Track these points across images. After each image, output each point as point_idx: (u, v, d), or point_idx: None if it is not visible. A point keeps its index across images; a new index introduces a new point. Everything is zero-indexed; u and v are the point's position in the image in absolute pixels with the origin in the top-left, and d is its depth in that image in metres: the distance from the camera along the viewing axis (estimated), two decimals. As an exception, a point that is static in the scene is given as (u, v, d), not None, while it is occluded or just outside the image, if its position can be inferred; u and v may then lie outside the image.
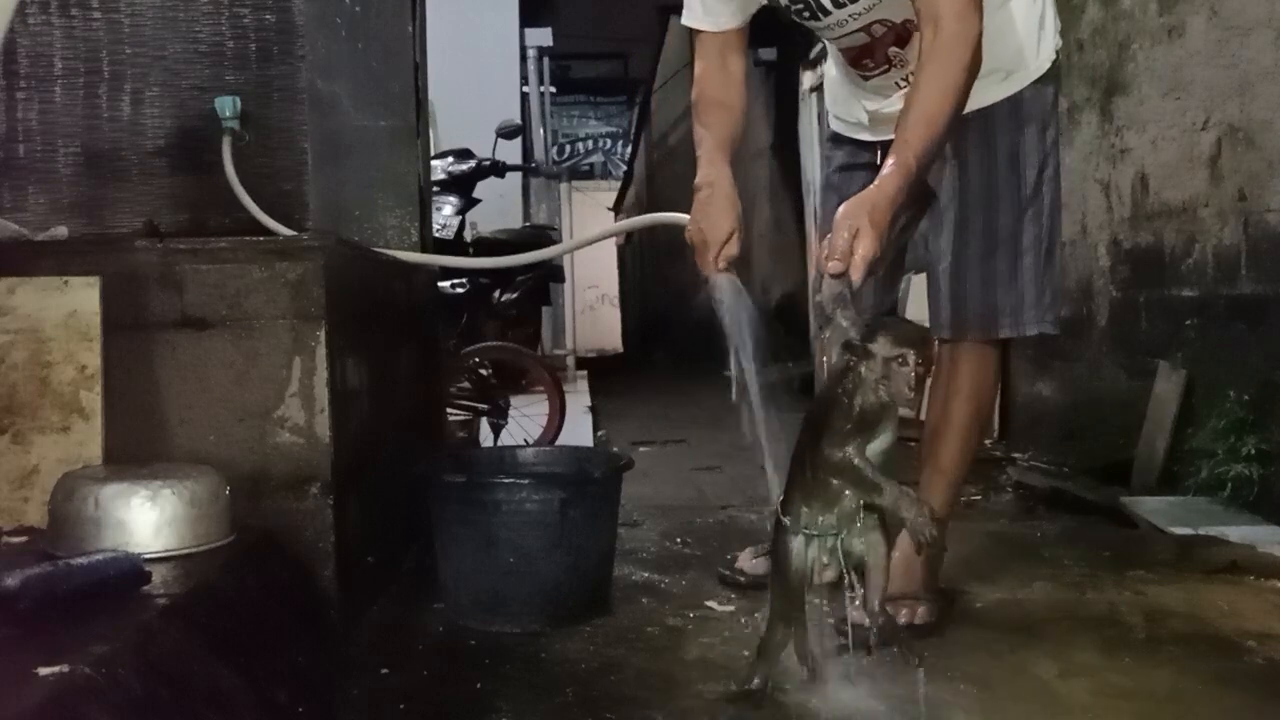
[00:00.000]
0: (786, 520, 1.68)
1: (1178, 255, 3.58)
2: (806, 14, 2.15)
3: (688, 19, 2.24)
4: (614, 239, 11.04)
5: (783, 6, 2.15)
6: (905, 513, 1.60)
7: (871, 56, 2.19)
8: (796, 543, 1.67)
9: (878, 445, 1.63)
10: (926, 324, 2.33)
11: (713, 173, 2.06)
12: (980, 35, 1.90)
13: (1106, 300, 4.02)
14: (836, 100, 2.44)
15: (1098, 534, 2.95)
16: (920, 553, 1.97)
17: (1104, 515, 3.12)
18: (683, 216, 2.09)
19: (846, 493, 1.63)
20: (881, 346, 1.60)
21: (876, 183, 1.80)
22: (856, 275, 1.69)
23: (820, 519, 1.65)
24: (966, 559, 2.54)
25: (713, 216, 2.00)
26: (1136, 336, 3.82)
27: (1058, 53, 2.22)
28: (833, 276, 1.70)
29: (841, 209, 1.76)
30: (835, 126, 2.46)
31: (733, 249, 1.98)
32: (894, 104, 2.19)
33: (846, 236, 1.71)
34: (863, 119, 2.32)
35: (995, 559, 2.64)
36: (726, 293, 1.95)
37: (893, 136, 2.25)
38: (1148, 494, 3.29)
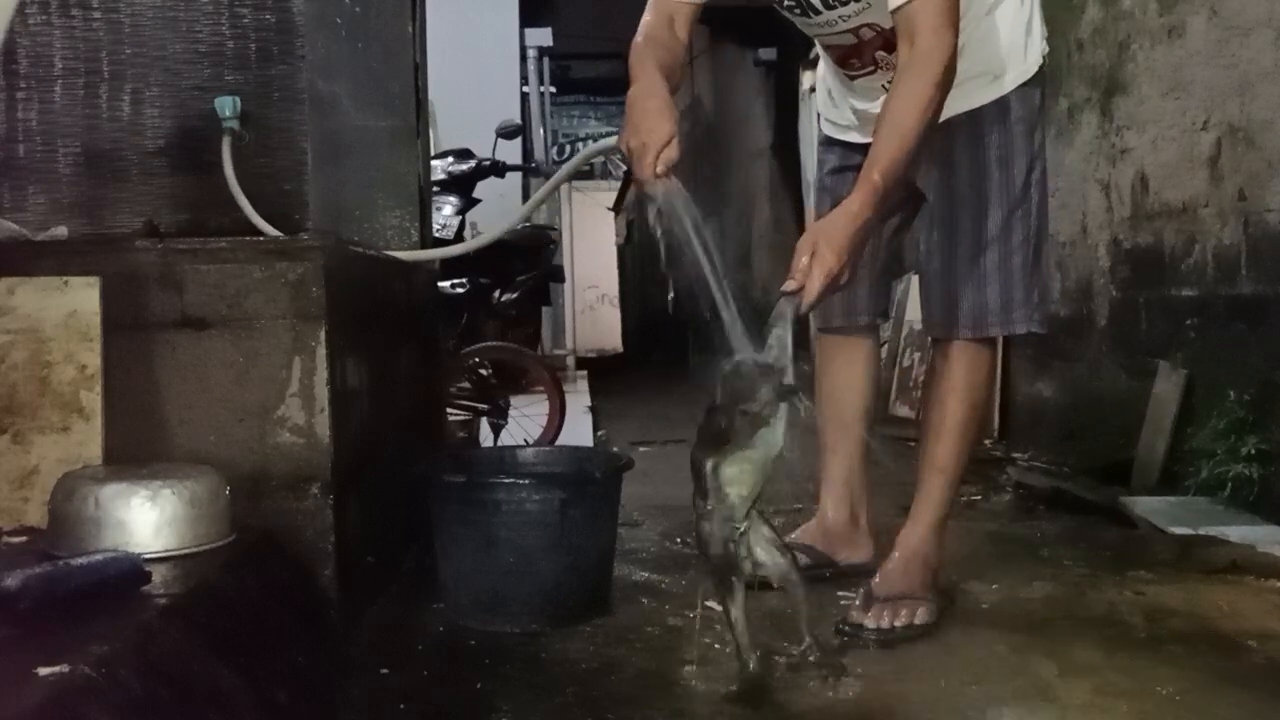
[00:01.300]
0: (695, 506, 1.81)
1: (1178, 255, 3.58)
2: (797, 10, 2.16)
3: None
4: (614, 240, 11.04)
5: (776, 0, 2.16)
6: (716, 529, 1.76)
7: (858, 56, 2.20)
8: (703, 527, 1.79)
9: (747, 456, 1.75)
10: (919, 323, 2.35)
11: (648, 83, 1.98)
12: (955, 51, 1.94)
13: (1106, 300, 4.02)
14: (827, 101, 2.45)
15: (1098, 534, 2.95)
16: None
17: (1104, 515, 3.12)
18: (612, 141, 2.07)
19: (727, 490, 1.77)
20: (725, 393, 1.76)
21: (843, 204, 1.89)
22: (808, 298, 1.81)
23: (710, 506, 1.78)
24: (966, 559, 2.54)
25: (650, 120, 1.92)
26: (1136, 336, 3.82)
27: (1045, 57, 2.25)
28: (786, 294, 1.81)
29: (807, 231, 1.86)
30: (826, 129, 2.47)
31: (672, 153, 1.91)
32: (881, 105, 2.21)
33: (805, 259, 1.81)
34: (852, 120, 2.33)
35: (995, 559, 2.64)
36: (670, 199, 1.88)
37: None
38: (1148, 494, 3.29)
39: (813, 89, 6.71)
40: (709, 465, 1.76)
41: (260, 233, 2.20)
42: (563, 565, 2.19)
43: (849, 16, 2.11)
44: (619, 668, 1.96)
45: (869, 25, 2.12)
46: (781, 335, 1.78)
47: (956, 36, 1.94)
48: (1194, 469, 3.24)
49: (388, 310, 2.64)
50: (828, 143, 2.47)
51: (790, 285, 1.81)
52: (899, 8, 1.94)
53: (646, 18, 2.19)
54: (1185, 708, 1.76)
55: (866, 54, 2.18)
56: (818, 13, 2.14)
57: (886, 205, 1.95)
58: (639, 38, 2.15)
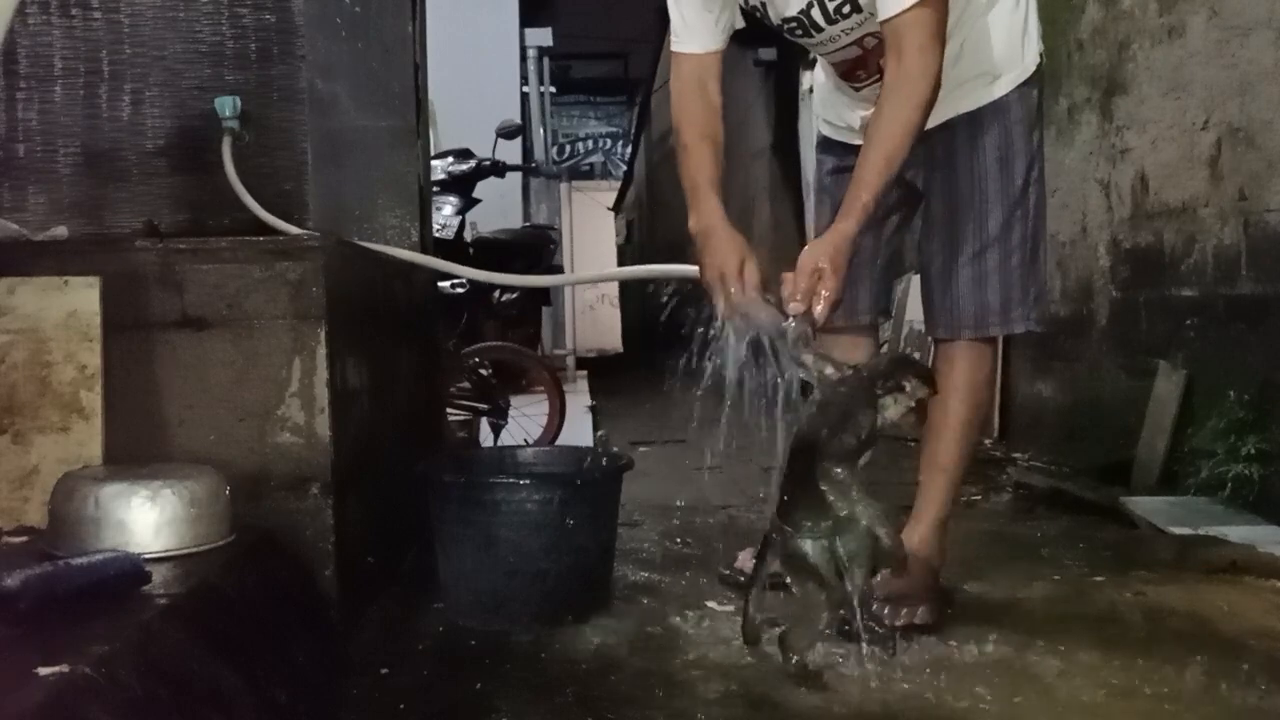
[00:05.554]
0: (788, 529, 1.82)
1: (1178, 255, 3.58)
2: (799, 32, 2.17)
3: (675, 45, 2.23)
4: (614, 240, 11.05)
5: (776, 25, 2.17)
6: (880, 530, 1.77)
7: (864, 67, 2.21)
8: (808, 545, 1.80)
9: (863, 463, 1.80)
10: (920, 323, 2.36)
11: (707, 215, 2.08)
12: (940, 67, 1.96)
13: (1106, 300, 4.02)
14: (827, 105, 2.46)
15: (1098, 534, 2.95)
16: (893, 571, 1.99)
17: (1104, 515, 3.12)
18: (693, 269, 2.13)
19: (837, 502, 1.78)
20: (915, 387, 1.80)
21: (835, 226, 1.93)
22: (821, 315, 1.85)
23: (818, 524, 1.79)
24: (966, 559, 2.54)
25: (721, 254, 2.00)
26: (1136, 336, 3.82)
27: (1042, 56, 2.25)
28: (796, 317, 1.85)
29: (804, 252, 1.90)
30: (824, 130, 2.47)
31: (753, 275, 1.98)
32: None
33: (808, 281, 1.86)
34: (854, 124, 2.34)
35: (995, 559, 2.65)
36: (760, 317, 1.93)
37: None
38: (1148, 494, 3.29)
39: (812, 89, 6.72)
40: (846, 472, 1.76)
41: (266, 231, 2.19)
42: (563, 565, 2.19)
43: (851, 30, 2.12)
44: (619, 668, 1.96)
45: (872, 34, 2.12)
46: (817, 353, 1.83)
47: (943, 51, 1.96)
48: (1194, 469, 3.24)
49: (388, 310, 2.64)
50: (826, 144, 2.48)
51: (799, 307, 1.85)
52: (888, 19, 1.96)
53: (675, 90, 2.22)
54: (1185, 707, 1.76)
55: (872, 63, 2.18)
56: (820, 30, 2.14)
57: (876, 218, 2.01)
58: (677, 125, 2.20)
